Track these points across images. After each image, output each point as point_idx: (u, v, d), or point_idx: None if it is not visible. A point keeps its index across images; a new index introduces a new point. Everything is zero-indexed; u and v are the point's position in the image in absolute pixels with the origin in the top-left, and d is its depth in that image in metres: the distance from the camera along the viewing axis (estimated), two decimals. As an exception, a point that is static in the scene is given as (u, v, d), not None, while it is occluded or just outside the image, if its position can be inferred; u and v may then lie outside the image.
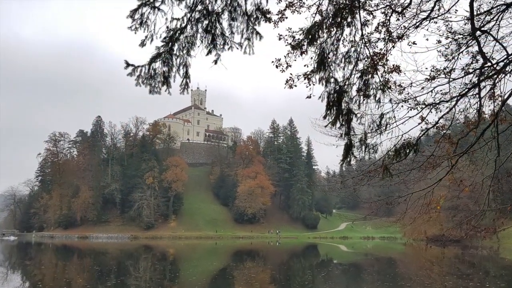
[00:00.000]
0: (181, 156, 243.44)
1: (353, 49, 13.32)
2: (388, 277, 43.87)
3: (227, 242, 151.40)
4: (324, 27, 12.61)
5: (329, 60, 12.82)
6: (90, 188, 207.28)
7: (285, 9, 13.67)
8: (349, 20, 12.63)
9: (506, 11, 13.74)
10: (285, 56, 13.79)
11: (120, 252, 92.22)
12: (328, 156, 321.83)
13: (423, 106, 14.62)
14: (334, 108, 12.33)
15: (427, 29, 14.21)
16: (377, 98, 13.43)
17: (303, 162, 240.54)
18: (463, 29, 14.37)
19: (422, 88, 14.61)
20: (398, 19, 14.07)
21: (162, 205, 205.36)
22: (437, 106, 14.66)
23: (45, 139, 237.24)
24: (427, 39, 14.44)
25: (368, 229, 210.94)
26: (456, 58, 14.64)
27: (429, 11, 13.75)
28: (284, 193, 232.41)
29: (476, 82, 14.07)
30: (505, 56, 13.48)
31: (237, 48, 11.72)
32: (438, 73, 14.62)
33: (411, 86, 14.65)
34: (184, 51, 11.54)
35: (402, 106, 14.52)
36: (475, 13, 13.19)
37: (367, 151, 13.68)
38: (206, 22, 11.47)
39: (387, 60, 14.31)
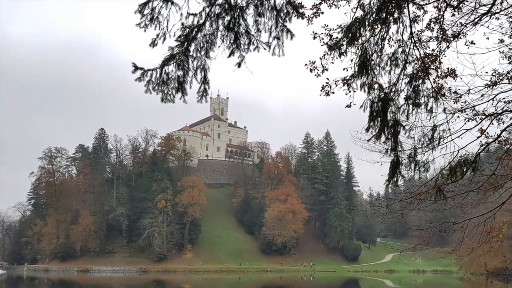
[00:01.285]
0: (198, 176, 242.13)
1: (400, 49, 13.30)
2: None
3: (253, 276, 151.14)
4: (367, 23, 12.62)
5: (373, 62, 12.83)
6: (92, 213, 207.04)
7: (320, 3, 13.62)
8: (396, 15, 12.61)
9: None
10: (320, 58, 13.78)
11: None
12: (371, 176, 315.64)
13: (483, 116, 14.49)
14: (379, 119, 12.33)
15: (488, 27, 14.11)
16: (428, 107, 13.40)
17: (342, 183, 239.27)
18: (529, 26, 14.28)
19: (482, 95, 14.50)
20: (453, 15, 13.99)
21: (176, 233, 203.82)
22: (499, 116, 14.52)
23: (39, 156, 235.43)
24: (487, 38, 14.35)
25: (418, 261, 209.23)
26: (521, 60, 14.53)
27: (489, 6, 13.64)
28: (319, 219, 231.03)
29: (546, 88, 13.96)
30: None
31: (265, 49, 11.76)
32: (501, 77, 14.49)
33: (468, 93, 14.56)
34: (202, 52, 11.60)
35: (458, 116, 14.45)
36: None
37: (417, 170, 13.62)
38: (228, 18, 11.51)
39: (440, 62, 14.25)
